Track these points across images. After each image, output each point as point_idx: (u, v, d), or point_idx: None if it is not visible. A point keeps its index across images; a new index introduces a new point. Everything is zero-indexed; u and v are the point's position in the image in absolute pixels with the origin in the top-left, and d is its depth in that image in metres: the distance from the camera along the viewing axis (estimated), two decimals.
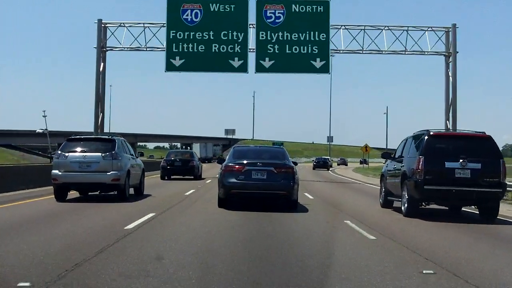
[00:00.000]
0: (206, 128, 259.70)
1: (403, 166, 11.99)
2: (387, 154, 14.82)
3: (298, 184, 13.00)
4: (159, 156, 67.12)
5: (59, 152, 14.07)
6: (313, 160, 64.53)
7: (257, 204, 12.61)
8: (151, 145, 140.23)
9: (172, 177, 26.38)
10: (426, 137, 11.41)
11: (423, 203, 11.69)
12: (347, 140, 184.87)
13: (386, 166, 14.04)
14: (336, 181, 31.85)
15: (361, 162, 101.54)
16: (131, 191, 15.02)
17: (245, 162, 12.43)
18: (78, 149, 13.83)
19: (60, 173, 13.47)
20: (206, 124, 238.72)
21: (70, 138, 14.42)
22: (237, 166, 12.28)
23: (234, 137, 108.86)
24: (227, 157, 13.24)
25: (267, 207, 12.29)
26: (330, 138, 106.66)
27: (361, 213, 12.27)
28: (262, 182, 12.16)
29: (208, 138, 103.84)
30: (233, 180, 12.11)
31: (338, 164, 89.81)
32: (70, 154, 13.68)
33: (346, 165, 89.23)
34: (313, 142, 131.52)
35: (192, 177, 26.56)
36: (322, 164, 57.39)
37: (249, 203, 12.57)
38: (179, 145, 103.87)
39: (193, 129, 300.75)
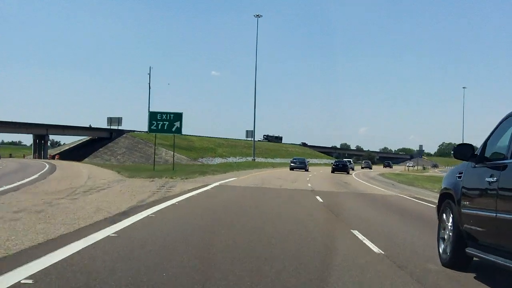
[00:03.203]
0: (85, 116, 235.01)
1: None
2: (466, 147, 6.80)
3: None
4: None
5: None
6: (332, 163, 65.35)
7: None
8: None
9: None
10: None
11: None
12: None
13: (459, 177, 7.05)
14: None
15: (384, 166, 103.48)
16: None
17: None
18: None
19: None
20: (85, 111, 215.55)
21: None
22: None
23: (120, 127, 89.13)
24: None
25: None
26: (253, 133, 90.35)
27: None
28: None
29: (77, 128, 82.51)
30: None
31: (362, 168, 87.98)
32: None
33: (371, 168, 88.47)
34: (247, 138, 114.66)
35: None
36: (341, 167, 58.24)
37: None
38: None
39: (64, 117, 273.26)
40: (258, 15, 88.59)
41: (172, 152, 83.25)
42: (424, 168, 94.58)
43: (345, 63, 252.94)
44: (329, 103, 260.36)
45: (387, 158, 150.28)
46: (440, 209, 7.63)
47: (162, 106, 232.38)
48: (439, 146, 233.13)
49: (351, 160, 75.85)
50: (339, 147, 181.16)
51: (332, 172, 56.06)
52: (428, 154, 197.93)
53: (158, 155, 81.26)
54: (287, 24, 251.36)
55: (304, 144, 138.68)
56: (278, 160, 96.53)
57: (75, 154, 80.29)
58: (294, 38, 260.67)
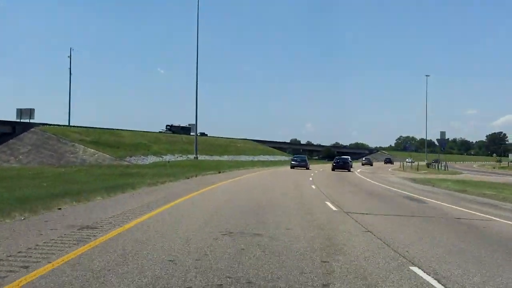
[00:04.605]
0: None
1: None
2: None
3: None
4: None
5: None
6: (332, 161, 63.88)
7: None
8: None
9: None
10: None
11: None
12: (210, 130, 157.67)
13: None
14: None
15: (385, 162, 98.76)
16: None
17: None
18: None
19: None
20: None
21: None
22: None
23: (32, 120, 72.16)
24: None
25: None
26: (195, 127, 75.22)
27: None
28: None
29: None
30: None
31: (363, 164, 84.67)
32: None
33: (372, 165, 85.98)
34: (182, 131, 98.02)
35: None
36: (342, 165, 56.22)
37: None
38: None
39: None
40: None
41: (93, 150, 67.14)
42: (438, 167, 71.75)
43: (289, 56, 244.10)
44: (275, 99, 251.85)
45: (344, 153, 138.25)
46: None
47: (91, 103, 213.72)
48: (396, 140, 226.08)
49: (349, 157, 65.50)
50: (288, 142, 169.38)
51: (333, 170, 54.25)
52: (385, 148, 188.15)
53: (74, 153, 64.74)
54: (231, 19, 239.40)
55: (203, 134, 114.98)
56: (226, 158, 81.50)
57: None
58: (237, 33, 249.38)
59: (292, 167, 57.87)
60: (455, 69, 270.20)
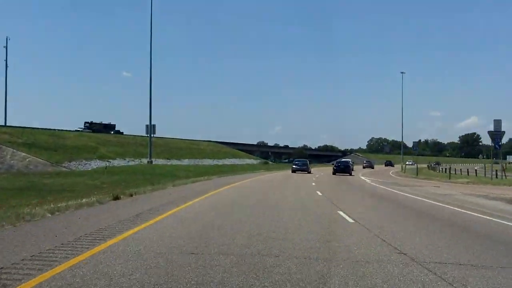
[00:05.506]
0: None
1: None
2: None
3: None
4: None
5: None
6: (332, 164, 64.11)
7: None
8: None
9: None
10: None
11: None
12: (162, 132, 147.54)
13: None
14: None
15: (386, 164, 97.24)
16: None
17: None
18: None
19: None
20: None
21: None
22: None
23: None
24: None
25: None
26: (151, 128, 64.78)
27: None
28: None
29: None
30: None
31: (364, 167, 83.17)
32: None
33: (373, 168, 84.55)
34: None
35: None
36: (343, 169, 55.19)
37: None
38: None
39: None
40: None
41: (24, 154, 56.40)
42: (488, 173, 46.55)
43: (255, 58, 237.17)
44: (240, 100, 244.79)
45: (316, 156, 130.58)
46: None
47: (35, 103, 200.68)
48: (368, 142, 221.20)
49: (350, 160, 65.61)
50: (255, 144, 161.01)
51: (334, 174, 53.53)
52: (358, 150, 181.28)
53: (0, 158, 53.82)
54: (197, 17, 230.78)
55: (118, 132, 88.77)
56: (186, 162, 71.46)
57: None
58: (202, 32, 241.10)
59: (294, 171, 59.25)
60: (419, 70, 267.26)
